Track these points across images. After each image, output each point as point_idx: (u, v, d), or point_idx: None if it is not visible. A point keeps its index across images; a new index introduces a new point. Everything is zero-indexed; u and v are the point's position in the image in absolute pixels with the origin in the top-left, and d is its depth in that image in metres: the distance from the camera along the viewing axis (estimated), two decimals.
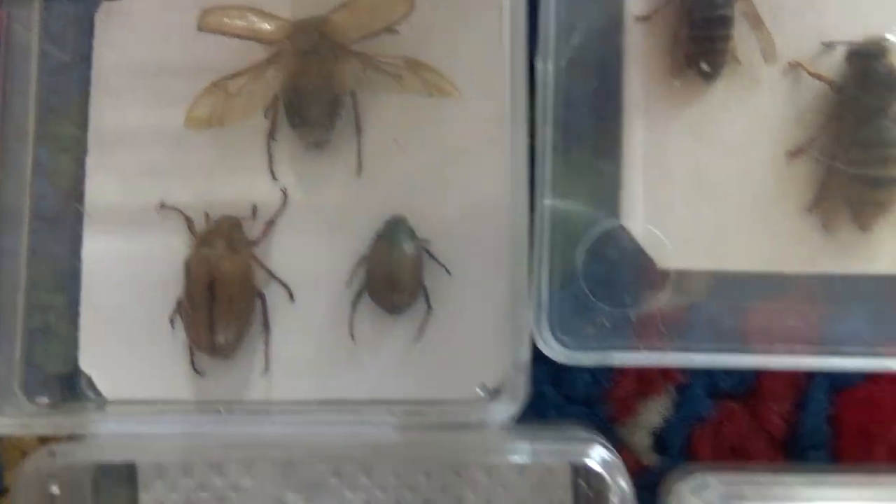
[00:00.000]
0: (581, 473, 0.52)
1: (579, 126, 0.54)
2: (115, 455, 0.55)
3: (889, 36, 0.53)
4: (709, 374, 0.56)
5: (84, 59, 0.59)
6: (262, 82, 0.57)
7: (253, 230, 0.57)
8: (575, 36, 0.55)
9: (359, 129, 0.57)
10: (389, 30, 0.57)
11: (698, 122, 0.55)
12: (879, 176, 0.52)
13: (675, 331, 0.53)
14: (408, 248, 0.55)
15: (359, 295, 0.56)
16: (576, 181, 0.54)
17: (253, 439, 0.54)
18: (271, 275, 0.57)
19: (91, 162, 0.58)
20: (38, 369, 0.56)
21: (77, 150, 0.58)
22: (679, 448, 0.56)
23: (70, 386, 0.57)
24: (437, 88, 0.56)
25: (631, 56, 0.56)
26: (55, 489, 0.53)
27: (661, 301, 0.54)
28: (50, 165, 0.58)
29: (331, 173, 0.57)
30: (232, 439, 0.54)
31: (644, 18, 0.56)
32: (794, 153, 0.54)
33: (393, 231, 0.56)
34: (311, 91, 0.56)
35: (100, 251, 0.58)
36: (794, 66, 0.55)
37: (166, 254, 0.57)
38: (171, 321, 0.57)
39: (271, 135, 0.57)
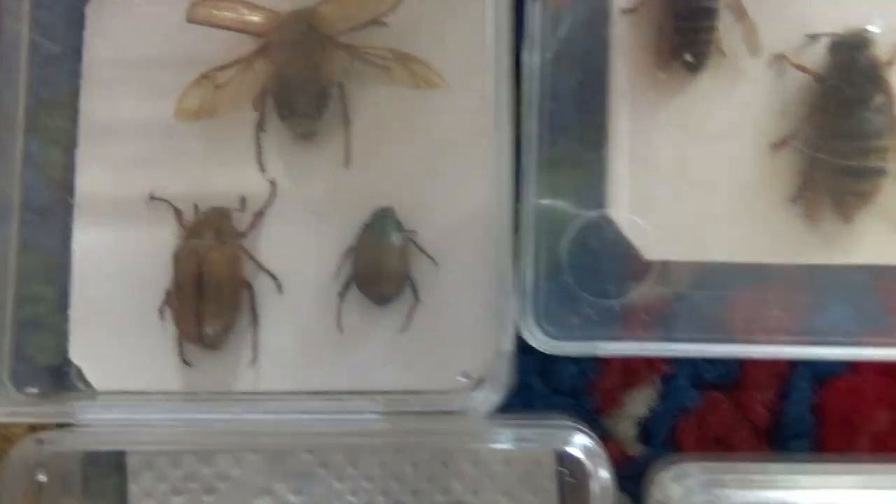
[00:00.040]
0: (563, 462, 0.52)
1: (565, 118, 0.55)
2: (102, 444, 0.55)
3: (870, 27, 0.54)
4: (694, 365, 0.56)
5: (75, 51, 0.59)
6: (250, 74, 0.57)
7: (242, 221, 0.57)
8: (561, 28, 0.55)
9: (347, 121, 0.57)
10: (377, 22, 0.57)
11: (683, 113, 0.55)
12: (861, 167, 0.53)
13: (660, 321, 0.54)
14: (395, 239, 0.56)
15: (346, 286, 0.56)
16: (561, 173, 0.54)
17: (241, 429, 0.54)
18: (259, 266, 0.57)
19: (81, 154, 0.59)
20: (29, 361, 0.57)
21: (67, 141, 0.59)
22: (664, 438, 0.57)
23: (60, 377, 0.57)
24: (424, 80, 0.56)
25: (617, 48, 0.56)
26: (42, 477, 0.53)
27: (646, 291, 0.54)
28: (40, 157, 0.58)
29: (319, 165, 0.58)
30: (220, 429, 0.54)
31: (630, 11, 0.56)
32: (778, 144, 0.55)
33: (380, 222, 0.56)
34: (300, 82, 0.56)
35: (90, 243, 0.58)
36: (779, 59, 0.55)
37: (156, 245, 0.57)
38: (161, 312, 0.57)
39: (260, 126, 0.58)
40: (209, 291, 0.56)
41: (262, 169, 0.58)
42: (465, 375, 0.54)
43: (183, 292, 0.56)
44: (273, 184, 0.57)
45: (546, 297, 0.53)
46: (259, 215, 0.57)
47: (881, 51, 0.54)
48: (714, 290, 0.54)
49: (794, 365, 0.56)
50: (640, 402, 0.57)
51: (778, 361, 0.56)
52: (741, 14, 0.55)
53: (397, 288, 0.56)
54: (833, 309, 0.53)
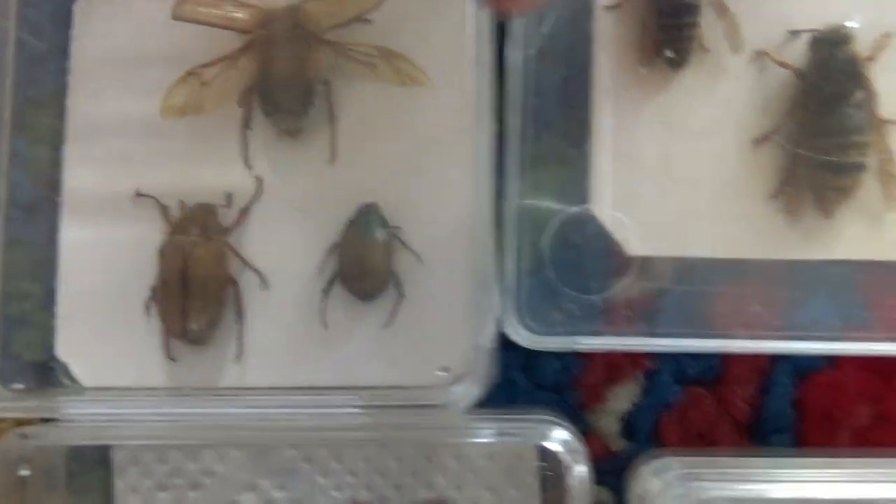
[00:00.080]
0: (543, 456, 0.53)
1: (548, 114, 0.55)
2: (87, 438, 0.55)
3: (850, 24, 0.54)
4: (676, 361, 0.57)
5: (61, 49, 0.59)
6: (236, 71, 0.57)
7: (227, 218, 0.57)
8: (545, 24, 0.55)
9: (332, 118, 0.57)
10: (362, 19, 0.57)
11: (666, 109, 0.55)
12: (841, 162, 0.53)
13: (642, 316, 0.54)
14: (379, 235, 0.56)
15: (330, 282, 0.56)
16: (545, 169, 0.54)
17: (226, 424, 0.54)
18: (245, 262, 0.57)
19: (68, 151, 0.59)
20: (15, 357, 0.57)
21: (55, 139, 0.59)
22: (646, 433, 0.57)
23: (46, 374, 0.57)
24: (409, 77, 0.56)
25: (600, 44, 0.56)
26: (25, 471, 0.53)
27: (628, 287, 0.54)
28: (27, 155, 0.58)
29: (304, 161, 0.58)
30: (205, 424, 0.54)
31: (613, 7, 0.56)
32: (760, 140, 0.55)
33: (364, 218, 0.56)
34: (285, 79, 0.57)
35: (77, 240, 0.58)
36: (761, 55, 0.55)
37: (143, 242, 0.57)
38: (146, 308, 0.57)
39: (245, 123, 0.58)
40: (194, 287, 0.56)
41: (248, 165, 0.58)
42: (445, 370, 0.54)
43: (168, 288, 0.56)
44: (259, 180, 0.58)
45: (528, 292, 0.53)
46: (245, 211, 0.57)
47: (861, 47, 0.54)
48: (696, 285, 0.54)
49: (775, 360, 0.56)
50: (622, 398, 0.57)
51: (759, 356, 0.56)
52: (723, 10, 0.55)
53: (381, 284, 0.56)
54: (814, 304, 0.53)
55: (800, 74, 0.54)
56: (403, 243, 0.56)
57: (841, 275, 0.54)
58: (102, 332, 0.57)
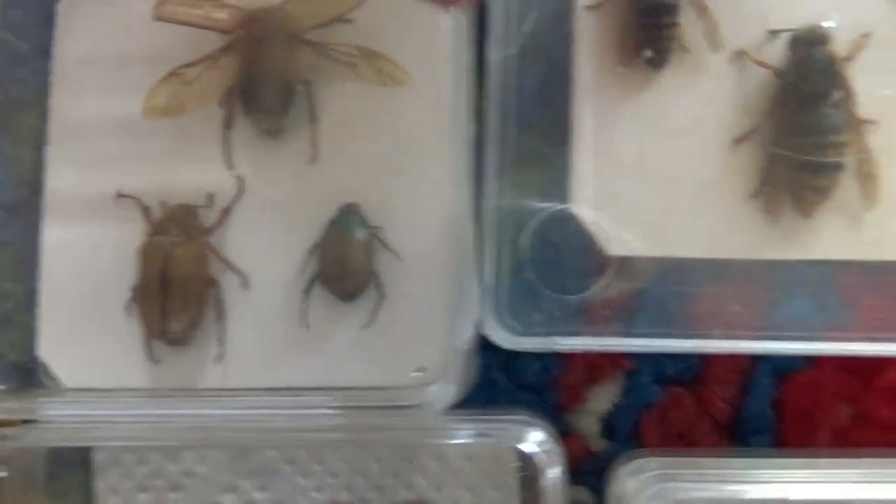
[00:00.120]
0: (519, 457, 0.52)
1: (529, 113, 0.55)
2: (66, 440, 0.55)
3: (827, 23, 0.54)
4: (656, 361, 0.57)
5: (44, 49, 0.59)
6: (217, 71, 0.57)
7: (209, 218, 0.57)
8: (526, 24, 0.55)
9: (313, 118, 0.57)
10: (343, 19, 0.57)
11: (647, 108, 0.55)
12: (819, 162, 0.53)
13: (622, 316, 0.54)
14: (359, 235, 0.56)
15: (311, 282, 0.56)
16: (525, 168, 0.54)
17: (206, 425, 0.54)
18: (226, 262, 0.57)
19: (51, 152, 0.59)
20: None
21: (37, 139, 0.59)
22: (627, 434, 0.57)
23: (27, 374, 0.57)
24: (390, 77, 0.56)
25: (581, 44, 0.56)
26: (3, 473, 0.53)
27: (608, 287, 0.54)
28: (9, 155, 0.58)
29: (285, 161, 0.58)
30: (186, 425, 0.54)
31: (594, 7, 0.56)
32: (740, 140, 0.55)
33: (345, 218, 0.56)
34: (266, 79, 0.57)
35: (59, 240, 0.58)
36: (740, 55, 0.55)
37: (126, 242, 0.57)
38: (127, 309, 0.57)
39: (227, 123, 0.58)
40: (175, 288, 0.56)
41: (230, 166, 0.58)
42: (420, 371, 0.54)
43: (148, 289, 0.56)
44: (240, 180, 0.57)
45: (508, 293, 0.53)
46: (226, 212, 0.57)
47: (839, 47, 0.54)
48: (676, 285, 0.54)
49: (754, 360, 0.56)
50: (603, 398, 0.57)
51: (739, 356, 0.56)
52: (703, 10, 0.55)
53: (362, 284, 0.56)
54: (793, 304, 0.53)
55: (778, 74, 0.54)
56: (384, 243, 0.56)
57: (820, 275, 0.53)
58: (84, 332, 0.57)
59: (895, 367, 0.55)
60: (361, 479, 0.56)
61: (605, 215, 0.54)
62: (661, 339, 0.53)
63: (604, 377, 0.57)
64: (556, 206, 0.54)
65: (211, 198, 0.57)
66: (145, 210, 0.57)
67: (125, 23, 0.59)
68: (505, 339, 0.52)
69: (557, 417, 0.56)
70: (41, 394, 0.56)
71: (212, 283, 0.57)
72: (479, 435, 0.52)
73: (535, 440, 0.51)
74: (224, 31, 0.57)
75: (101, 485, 0.57)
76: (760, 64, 0.54)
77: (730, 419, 0.56)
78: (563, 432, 0.55)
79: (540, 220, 0.54)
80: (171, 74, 0.57)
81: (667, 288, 0.54)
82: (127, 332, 0.57)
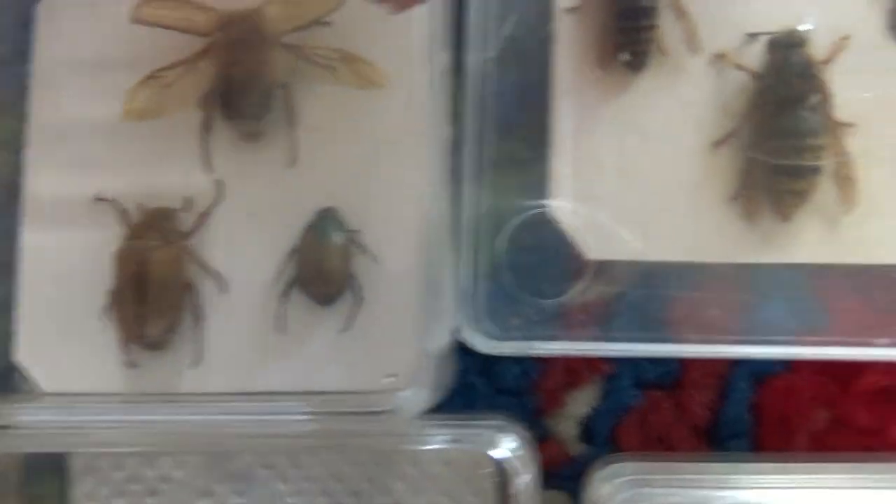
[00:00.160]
0: (493, 463, 0.52)
1: (508, 116, 0.55)
2: (42, 445, 0.55)
3: (805, 26, 0.54)
4: (635, 365, 0.56)
5: (23, 52, 0.59)
6: (196, 74, 0.57)
7: (187, 222, 0.57)
8: (506, 27, 0.55)
9: (292, 121, 0.57)
10: (321, 22, 0.57)
11: (626, 111, 0.55)
12: (797, 165, 0.53)
13: (600, 320, 0.54)
14: (337, 239, 0.55)
15: (289, 286, 0.56)
16: (503, 171, 0.54)
17: (183, 430, 0.54)
18: (203, 266, 0.57)
19: (30, 155, 0.58)
20: None
21: (15, 143, 0.58)
22: (605, 438, 0.57)
23: (4, 379, 0.57)
24: (369, 80, 0.56)
25: (560, 47, 0.56)
26: None
27: (586, 291, 0.54)
28: None
29: (263, 165, 0.57)
30: (163, 430, 0.54)
31: (573, 10, 0.56)
32: (718, 143, 0.55)
33: (322, 222, 0.56)
34: (244, 82, 0.56)
35: (37, 244, 0.58)
36: (719, 58, 0.55)
37: (104, 246, 0.57)
38: (104, 313, 0.56)
39: (205, 126, 0.57)
40: (152, 292, 0.56)
41: (208, 169, 0.57)
42: (392, 375, 0.54)
43: (125, 293, 0.56)
44: (219, 184, 0.57)
45: (486, 297, 0.53)
46: (204, 215, 0.57)
47: (817, 50, 0.53)
48: (654, 289, 0.54)
49: (733, 364, 0.56)
50: (582, 402, 0.57)
51: (718, 361, 0.55)
52: (682, 13, 0.55)
53: (340, 288, 0.56)
54: (771, 308, 0.53)
55: (757, 77, 0.54)
56: (361, 247, 0.56)
57: (798, 278, 0.53)
58: (62, 336, 0.57)
59: (873, 372, 0.55)
60: (339, 485, 0.56)
61: (584, 218, 0.54)
62: (639, 344, 0.53)
63: (583, 381, 0.57)
64: (534, 209, 0.54)
65: (189, 201, 0.57)
66: (123, 214, 0.57)
67: (104, 26, 0.59)
68: (482, 343, 0.52)
69: (536, 422, 0.56)
70: (16, 399, 0.56)
71: (189, 287, 0.56)
72: (454, 440, 0.52)
73: (508, 446, 0.50)
74: (202, 34, 0.57)
75: (77, 491, 0.56)
76: (739, 67, 0.54)
77: (708, 423, 0.56)
78: (542, 437, 0.55)
79: (518, 223, 0.54)
80: (150, 77, 0.57)
81: (645, 292, 0.54)
82: (105, 337, 0.57)
